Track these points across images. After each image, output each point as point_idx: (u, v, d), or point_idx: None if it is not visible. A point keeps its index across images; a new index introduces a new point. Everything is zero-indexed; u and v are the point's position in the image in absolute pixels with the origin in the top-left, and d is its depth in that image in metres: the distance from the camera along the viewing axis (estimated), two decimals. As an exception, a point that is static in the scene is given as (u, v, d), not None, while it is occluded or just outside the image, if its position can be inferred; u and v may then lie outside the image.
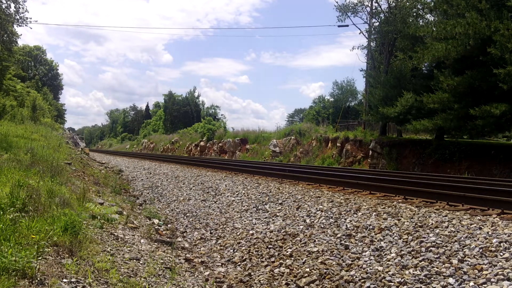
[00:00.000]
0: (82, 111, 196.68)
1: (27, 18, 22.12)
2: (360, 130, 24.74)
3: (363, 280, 5.07)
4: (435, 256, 4.92)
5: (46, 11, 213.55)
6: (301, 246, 6.53)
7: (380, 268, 5.15)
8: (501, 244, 4.70)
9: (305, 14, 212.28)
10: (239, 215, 9.03)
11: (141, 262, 5.12)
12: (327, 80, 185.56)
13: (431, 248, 5.11)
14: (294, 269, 5.92)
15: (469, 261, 4.59)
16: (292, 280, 5.65)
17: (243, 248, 7.24)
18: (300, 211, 8.04)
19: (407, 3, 21.33)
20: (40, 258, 3.54)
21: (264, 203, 9.32)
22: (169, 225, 9.34)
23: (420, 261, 4.94)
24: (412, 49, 18.41)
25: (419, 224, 5.87)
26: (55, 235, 4.14)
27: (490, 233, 5.04)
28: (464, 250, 4.83)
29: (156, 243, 6.77)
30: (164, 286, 4.65)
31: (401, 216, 6.38)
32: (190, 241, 8.24)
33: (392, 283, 4.78)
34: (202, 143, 40.80)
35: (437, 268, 4.68)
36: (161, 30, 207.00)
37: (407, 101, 17.45)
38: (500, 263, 4.35)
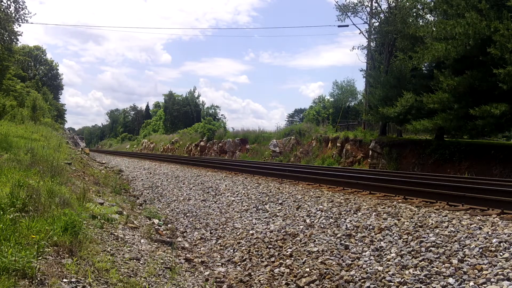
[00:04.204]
0: (82, 111, 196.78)
1: (26, 14, 22.18)
2: (360, 130, 24.73)
3: (363, 280, 5.07)
4: (435, 256, 4.92)
5: (44, 11, 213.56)
6: (301, 246, 6.53)
7: (380, 268, 5.15)
8: (501, 244, 4.70)
9: (305, 14, 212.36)
10: (239, 215, 9.03)
11: (141, 262, 5.13)
12: (327, 80, 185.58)
13: (431, 248, 5.11)
14: (294, 269, 5.93)
15: (469, 261, 4.59)
16: (292, 280, 5.65)
17: (243, 248, 7.24)
18: (300, 211, 8.04)
19: (407, 3, 21.32)
20: (40, 258, 3.54)
21: (264, 203, 9.32)
22: (169, 225, 9.34)
23: (420, 261, 4.95)
24: (412, 49, 18.40)
25: (419, 224, 5.87)
26: (55, 235, 4.14)
27: (490, 233, 5.04)
28: (464, 250, 4.83)
29: (156, 243, 6.77)
30: (164, 286, 4.66)
31: (401, 216, 6.38)
32: (190, 241, 8.24)
33: (392, 283, 4.78)
34: (202, 143, 40.80)
35: (437, 268, 4.68)
36: (160, 30, 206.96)
37: (407, 101, 17.45)
38: (500, 263, 4.35)
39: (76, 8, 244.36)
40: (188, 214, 10.35)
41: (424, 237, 5.42)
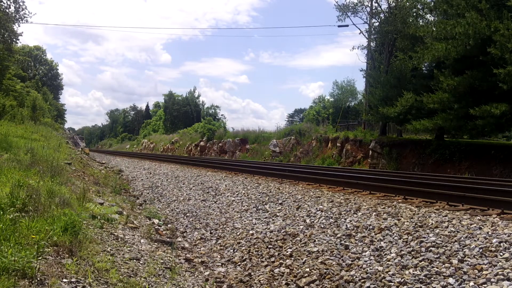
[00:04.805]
0: (81, 111, 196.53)
1: (26, 14, 22.26)
2: (360, 130, 24.73)
3: (363, 280, 5.07)
4: (435, 256, 4.92)
5: (43, 11, 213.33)
6: (301, 246, 6.53)
7: (380, 268, 5.15)
8: (501, 244, 4.70)
9: (305, 14, 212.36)
10: (239, 215, 9.03)
11: (141, 262, 5.12)
12: (327, 80, 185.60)
13: (431, 248, 5.11)
14: (294, 269, 5.92)
15: (469, 261, 4.59)
16: (292, 280, 5.65)
17: (243, 248, 7.24)
18: (300, 211, 8.04)
19: (407, 3, 21.32)
20: (40, 258, 3.53)
21: (264, 203, 9.32)
22: (169, 225, 9.34)
23: (420, 261, 4.94)
24: (412, 49, 18.40)
25: (419, 224, 5.87)
26: (55, 235, 4.14)
27: (490, 233, 5.04)
28: (464, 250, 4.83)
29: (156, 243, 6.77)
30: (164, 286, 4.66)
31: (401, 216, 6.38)
32: (190, 241, 8.24)
33: (392, 283, 4.78)
34: (202, 143, 40.80)
35: (437, 268, 4.68)
36: (160, 30, 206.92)
37: (407, 101, 17.45)
38: (500, 263, 4.35)
39: (76, 8, 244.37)
40: (188, 214, 10.34)
41: (424, 237, 5.42)
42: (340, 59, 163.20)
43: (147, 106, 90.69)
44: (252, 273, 6.20)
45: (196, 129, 45.76)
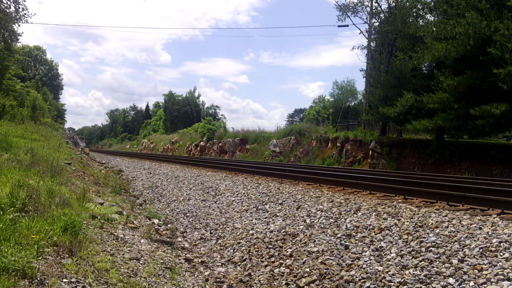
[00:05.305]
0: (81, 111, 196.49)
1: (26, 14, 22.30)
2: (360, 130, 24.73)
3: (363, 280, 5.07)
4: (435, 256, 4.92)
5: (43, 11, 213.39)
6: (301, 246, 6.53)
7: (380, 268, 5.14)
8: (501, 244, 4.70)
9: (305, 14, 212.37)
10: (239, 215, 9.03)
11: (141, 262, 5.12)
12: (327, 80, 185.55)
13: (431, 248, 5.11)
14: (294, 269, 5.92)
15: (469, 261, 4.59)
16: (292, 280, 5.65)
17: (243, 248, 7.24)
18: (300, 211, 8.04)
19: (407, 3, 21.32)
20: (40, 258, 3.54)
21: (264, 203, 9.32)
22: (169, 225, 9.34)
23: (420, 261, 4.94)
24: (412, 49, 18.41)
25: (419, 224, 5.87)
26: (55, 235, 4.14)
27: (490, 233, 5.04)
28: (464, 250, 4.83)
29: (156, 243, 6.77)
30: (164, 286, 4.66)
31: (401, 216, 6.38)
32: (190, 241, 8.24)
33: (392, 283, 4.78)
34: (202, 143, 40.79)
35: (437, 268, 4.68)
36: (160, 30, 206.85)
37: (407, 101, 17.46)
38: (500, 263, 4.35)
39: (76, 8, 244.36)
40: (188, 214, 10.34)
41: (424, 237, 5.42)
42: (340, 59, 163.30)
43: (147, 106, 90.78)
44: (252, 273, 6.20)
45: (196, 129, 45.76)
